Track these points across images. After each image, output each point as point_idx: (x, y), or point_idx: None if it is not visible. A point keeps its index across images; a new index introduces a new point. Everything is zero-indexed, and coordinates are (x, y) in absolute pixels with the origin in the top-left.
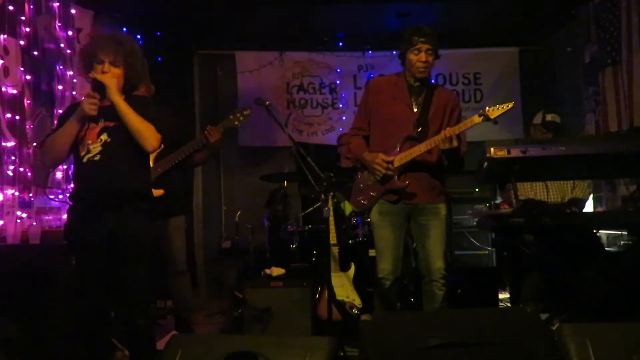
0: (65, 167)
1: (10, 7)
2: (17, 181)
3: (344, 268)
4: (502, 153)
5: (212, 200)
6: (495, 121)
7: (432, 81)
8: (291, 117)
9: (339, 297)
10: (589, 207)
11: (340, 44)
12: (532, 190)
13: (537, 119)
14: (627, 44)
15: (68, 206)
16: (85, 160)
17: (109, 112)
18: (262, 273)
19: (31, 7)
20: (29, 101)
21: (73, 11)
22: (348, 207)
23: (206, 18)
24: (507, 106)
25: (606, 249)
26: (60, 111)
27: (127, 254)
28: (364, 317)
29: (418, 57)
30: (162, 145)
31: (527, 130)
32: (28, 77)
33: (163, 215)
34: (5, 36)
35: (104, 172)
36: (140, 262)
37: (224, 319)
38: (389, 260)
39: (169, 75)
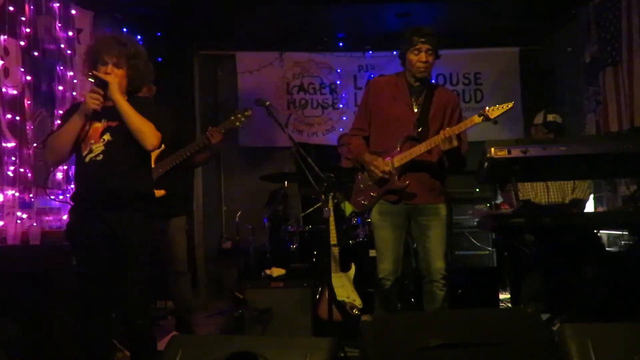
0: (65, 167)
1: (11, 8)
2: (17, 182)
3: (345, 268)
4: (503, 153)
5: (212, 201)
6: (495, 121)
7: (433, 81)
8: (291, 118)
9: (339, 298)
10: (589, 207)
11: (341, 44)
12: (532, 190)
13: (539, 119)
14: (628, 44)
15: (69, 207)
16: (87, 160)
17: (112, 112)
18: (263, 273)
19: (31, 7)
20: (29, 102)
21: (73, 12)
22: (348, 208)
23: (206, 18)
24: (507, 106)
25: (607, 249)
26: (61, 112)
27: (128, 255)
28: (364, 317)
29: (418, 57)
30: (163, 146)
31: (528, 130)
32: (28, 77)
33: (164, 215)
34: (6, 37)
35: (106, 172)
36: (141, 262)
37: (224, 320)
38: (390, 260)
39: (169, 76)
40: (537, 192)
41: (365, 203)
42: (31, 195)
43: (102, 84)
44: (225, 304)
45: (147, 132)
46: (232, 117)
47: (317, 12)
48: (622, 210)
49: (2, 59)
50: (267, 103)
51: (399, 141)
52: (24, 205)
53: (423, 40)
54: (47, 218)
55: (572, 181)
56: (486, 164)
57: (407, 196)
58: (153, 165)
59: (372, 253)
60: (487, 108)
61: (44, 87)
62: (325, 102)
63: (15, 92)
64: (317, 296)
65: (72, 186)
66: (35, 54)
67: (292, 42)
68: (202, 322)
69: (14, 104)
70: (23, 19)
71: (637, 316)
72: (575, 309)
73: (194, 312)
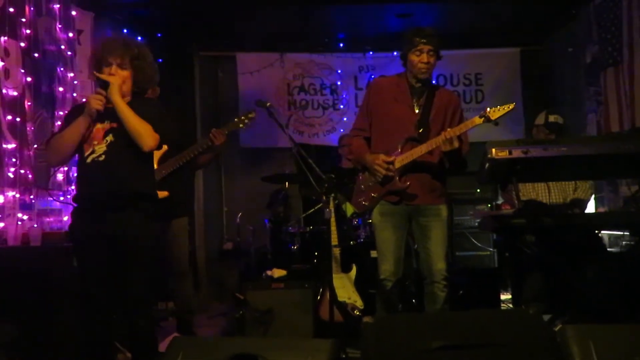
0: (66, 169)
1: (11, 9)
2: (17, 183)
3: (346, 269)
4: (504, 154)
5: (213, 202)
6: (496, 122)
7: (433, 82)
8: (292, 119)
9: (340, 299)
10: (590, 207)
11: (341, 44)
12: (533, 191)
13: (540, 120)
14: (629, 44)
15: (70, 208)
16: (89, 160)
17: (115, 113)
18: (264, 275)
19: (32, 8)
20: (29, 103)
21: (74, 13)
22: (349, 209)
23: (207, 19)
24: (508, 107)
25: (608, 249)
26: (61, 113)
27: (130, 256)
28: (365, 318)
29: (420, 58)
30: (166, 147)
31: (528, 130)
32: (29, 79)
33: (167, 217)
34: (6, 38)
35: (108, 173)
36: (143, 263)
37: (226, 321)
38: (391, 261)
39: (169, 77)
40: (539, 192)
41: (366, 204)
42: (32, 196)
43: (104, 85)
44: (226, 305)
45: (144, 133)
46: (236, 119)
47: (317, 13)
48: (624, 210)
49: (3, 60)
50: (268, 104)
51: (400, 142)
52: (25, 207)
53: (424, 41)
54: (47, 219)
55: (573, 181)
56: (487, 164)
57: (408, 197)
58: (156, 167)
59: (373, 254)
60: (488, 109)
61: (45, 89)
62: (326, 103)
63: (15, 93)
64: (318, 297)
65: (73, 187)
66: (36, 55)
67: (293, 42)
68: (203, 323)
69: (14, 105)
70: (23, 20)
71: (639, 317)
72: (577, 310)
73: (195, 314)
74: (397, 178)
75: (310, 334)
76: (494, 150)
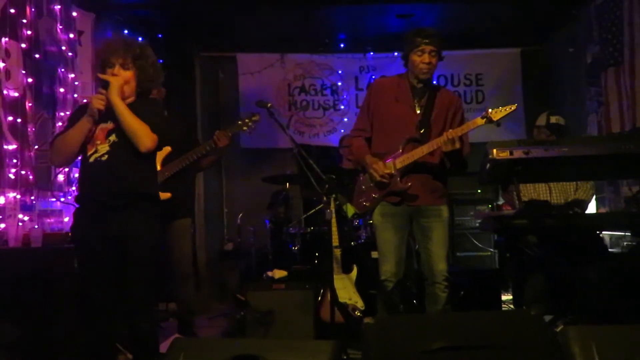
0: (67, 170)
1: (12, 10)
2: (18, 184)
3: (347, 270)
4: (505, 154)
5: (214, 203)
6: (498, 123)
7: (434, 82)
8: (293, 119)
9: (341, 300)
10: (591, 208)
11: (342, 45)
12: (534, 191)
13: (541, 121)
14: (629, 44)
15: (71, 209)
16: (92, 160)
17: None
18: (265, 275)
19: (32, 9)
20: (30, 104)
21: (74, 14)
22: (350, 209)
23: (207, 20)
24: (510, 108)
25: (609, 250)
26: (62, 114)
27: (131, 256)
28: (366, 319)
29: (421, 58)
30: (170, 149)
31: (529, 131)
32: (29, 79)
33: (170, 218)
34: (7, 39)
35: (110, 172)
36: (145, 264)
37: (226, 322)
38: (392, 262)
39: (170, 78)
40: (540, 193)
41: (367, 205)
42: (32, 197)
43: (105, 85)
44: (227, 306)
45: (141, 134)
46: (240, 122)
47: (318, 13)
48: (625, 211)
49: (4, 61)
50: (269, 104)
51: (401, 143)
52: (26, 208)
53: (426, 41)
54: (48, 220)
55: (574, 182)
56: (488, 165)
57: (409, 198)
58: (159, 168)
59: (374, 255)
60: (490, 110)
61: (45, 90)
62: (327, 104)
63: (16, 94)
64: (319, 298)
65: (74, 188)
66: (37, 56)
67: (293, 43)
68: (204, 324)
69: (15, 106)
70: (24, 21)
71: None
72: (578, 311)
73: (196, 314)
74: (398, 179)
75: (311, 335)
76: (495, 150)
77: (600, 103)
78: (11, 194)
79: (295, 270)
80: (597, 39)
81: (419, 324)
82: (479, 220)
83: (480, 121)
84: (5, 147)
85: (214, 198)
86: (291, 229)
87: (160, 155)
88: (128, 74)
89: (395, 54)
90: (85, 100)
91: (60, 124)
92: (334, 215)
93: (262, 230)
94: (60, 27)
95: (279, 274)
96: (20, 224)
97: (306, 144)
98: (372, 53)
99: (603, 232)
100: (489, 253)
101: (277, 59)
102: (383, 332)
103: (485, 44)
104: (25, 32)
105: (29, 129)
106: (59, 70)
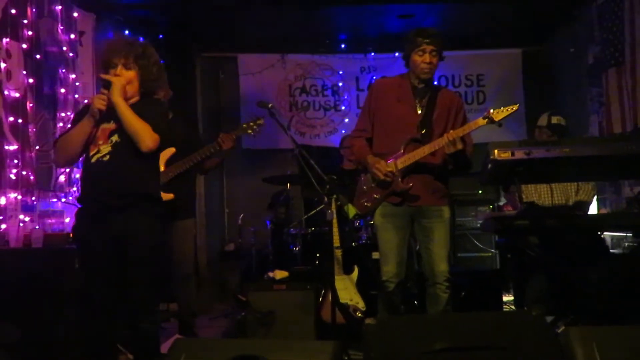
0: (67, 170)
1: (13, 11)
2: (19, 185)
3: (348, 271)
4: (506, 155)
5: (214, 203)
6: (500, 124)
7: (435, 83)
8: (294, 120)
9: (342, 300)
10: (593, 209)
11: (343, 45)
12: (536, 192)
13: (543, 121)
14: (631, 45)
15: (72, 209)
16: (93, 160)
17: None
18: (265, 276)
19: (33, 10)
20: (31, 104)
21: (75, 14)
22: (351, 210)
23: (208, 21)
24: (512, 109)
25: (611, 250)
26: (63, 114)
27: (133, 257)
28: (367, 320)
29: (422, 58)
30: (174, 150)
31: (530, 131)
32: (30, 80)
33: (173, 218)
34: (8, 39)
35: (111, 173)
36: (146, 265)
37: (227, 323)
38: (393, 263)
39: (170, 78)
40: (541, 194)
41: (369, 205)
42: (33, 198)
43: (107, 85)
44: (228, 307)
45: (142, 133)
46: (244, 125)
47: (318, 14)
48: (626, 211)
49: (5, 62)
50: (270, 105)
51: (403, 143)
52: (27, 208)
53: (427, 41)
54: (49, 221)
55: (575, 183)
56: (489, 165)
57: (410, 198)
58: (164, 169)
59: (375, 255)
60: (492, 110)
61: (46, 90)
62: (327, 104)
63: (17, 94)
64: (320, 299)
65: (75, 189)
66: (38, 56)
67: (294, 43)
68: (204, 324)
69: (16, 106)
70: (25, 21)
71: None
72: (580, 312)
73: (197, 315)
74: (400, 179)
75: (312, 335)
76: (496, 151)
77: (601, 103)
78: (12, 195)
79: (296, 270)
80: (599, 39)
81: (420, 325)
82: (480, 221)
83: (482, 121)
84: (6, 147)
85: (214, 198)
86: (292, 230)
87: (164, 156)
88: (130, 74)
89: (396, 54)
90: (85, 101)
91: (61, 124)
92: (335, 215)
93: (263, 230)
94: (61, 27)
95: (279, 274)
96: (21, 224)
97: (307, 144)
98: (373, 53)
99: (604, 233)
100: (490, 254)
101: (277, 60)
102: (384, 333)
103: (486, 45)
104: (26, 32)
105: (29, 130)
106: (60, 70)
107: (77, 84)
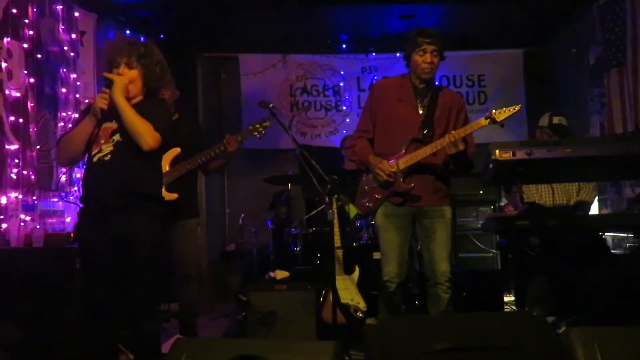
0: (68, 170)
1: (14, 10)
2: (20, 184)
3: (349, 271)
4: (507, 155)
5: (216, 203)
6: (502, 124)
7: (436, 83)
8: (295, 120)
9: (343, 300)
10: (594, 209)
11: (344, 46)
12: (537, 192)
13: (544, 121)
14: (632, 45)
15: (72, 209)
16: (95, 159)
17: None
18: (266, 276)
19: (34, 10)
20: (32, 104)
21: (76, 14)
22: (352, 210)
23: (209, 21)
24: (514, 109)
25: (612, 251)
26: (64, 114)
27: (134, 257)
28: (368, 320)
29: (423, 58)
30: (179, 150)
31: (532, 131)
32: (31, 80)
33: (176, 218)
34: (9, 39)
35: (113, 172)
36: (147, 265)
37: (228, 323)
38: (394, 263)
39: (171, 78)
40: (542, 194)
41: (370, 205)
42: (34, 197)
43: (109, 84)
44: (228, 307)
45: (143, 133)
46: (250, 127)
47: (320, 14)
48: (627, 212)
49: (6, 62)
50: (271, 105)
51: (404, 143)
52: (27, 208)
53: (428, 41)
54: (50, 220)
55: (577, 183)
56: (491, 166)
57: (411, 198)
58: (168, 169)
59: (376, 255)
60: (494, 111)
61: (47, 90)
62: (329, 104)
63: (18, 94)
64: (321, 299)
65: (76, 189)
66: (39, 56)
67: (295, 43)
68: (205, 324)
69: (17, 106)
70: (26, 21)
71: None
72: (581, 312)
73: (198, 315)
74: (401, 179)
75: (313, 335)
76: (497, 151)
77: (603, 104)
78: (13, 194)
79: (297, 270)
80: (600, 40)
81: (421, 325)
82: (481, 221)
83: (484, 122)
84: (7, 147)
85: (216, 199)
86: (293, 230)
87: (169, 156)
88: (133, 73)
89: (398, 54)
90: (87, 101)
91: (62, 124)
92: (336, 215)
93: (264, 230)
94: (62, 27)
95: (280, 274)
96: (22, 224)
97: (308, 144)
98: (374, 54)
99: (606, 233)
100: (491, 254)
101: (279, 60)
102: (385, 333)
103: (488, 45)
104: (27, 32)
105: (30, 129)
106: (61, 70)
107: (78, 83)
